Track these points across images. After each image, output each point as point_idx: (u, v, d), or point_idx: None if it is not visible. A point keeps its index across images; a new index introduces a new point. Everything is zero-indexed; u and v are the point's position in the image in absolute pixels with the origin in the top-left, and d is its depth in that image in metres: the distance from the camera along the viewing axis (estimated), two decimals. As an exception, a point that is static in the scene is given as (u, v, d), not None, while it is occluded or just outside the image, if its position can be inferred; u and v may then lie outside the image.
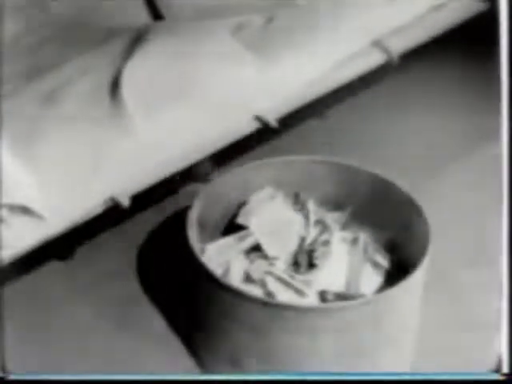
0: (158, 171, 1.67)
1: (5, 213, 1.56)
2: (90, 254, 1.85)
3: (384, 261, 1.68)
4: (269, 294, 1.58)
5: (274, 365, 1.51)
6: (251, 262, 1.64)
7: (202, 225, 1.64)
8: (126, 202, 1.63)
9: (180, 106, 1.70)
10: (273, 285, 1.59)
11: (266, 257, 1.65)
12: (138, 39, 1.81)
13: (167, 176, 1.69)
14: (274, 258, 1.64)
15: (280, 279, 1.60)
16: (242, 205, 1.72)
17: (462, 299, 1.75)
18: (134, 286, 1.79)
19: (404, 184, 1.67)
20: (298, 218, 1.72)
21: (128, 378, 1.46)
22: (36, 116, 1.66)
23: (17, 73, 1.75)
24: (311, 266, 1.64)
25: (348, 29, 1.85)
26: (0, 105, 1.60)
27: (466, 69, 2.20)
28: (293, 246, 1.67)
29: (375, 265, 1.67)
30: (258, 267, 1.62)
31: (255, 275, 1.60)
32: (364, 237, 1.69)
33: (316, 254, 1.64)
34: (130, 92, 1.68)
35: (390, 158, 2.00)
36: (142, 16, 1.96)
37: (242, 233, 1.67)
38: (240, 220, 1.69)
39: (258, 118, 1.76)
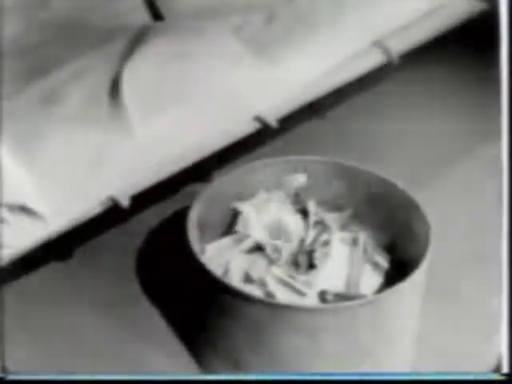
0: (157, 171, 1.67)
1: (5, 213, 1.55)
2: (90, 254, 1.85)
3: (384, 261, 1.68)
4: (269, 294, 1.58)
5: (274, 365, 1.51)
6: (251, 262, 1.64)
7: (202, 225, 1.63)
8: (125, 202, 1.63)
9: (180, 106, 1.70)
10: (273, 285, 1.59)
11: (265, 257, 1.65)
12: (137, 39, 1.81)
13: (167, 176, 1.69)
14: (274, 259, 1.64)
15: (280, 279, 1.60)
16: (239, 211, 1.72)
17: (462, 299, 1.75)
18: (134, 286, 1.79)
19: (404, 184, 1.67)
20: (297, 219, 1.72)
21: (128, 378, 1.46)
22: (36, 116, 1.66)
23: (17, 73, 1.75)
24: (311, 266, 1.64)
25: (348, 29, 1.84)
26: (0, 105, 1.60)
27: (466, 69, 2.20)
28: (292, 246, 1.67)
29: (375, 265, 1.67)
30: (257, 267, 1.62)
31: (255, 275, 1.61)
32: (364, 237, 1.69)
33: (316, 255, 1.64)
34: (130, 92, 1.68)
35: (390, 158, 2.00)
36: (142, 16, 1.96)
37: (241, 233, 1.68)
38: (238, 228, 1.68)
39: (258, 118, 1.76)
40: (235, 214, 1.72)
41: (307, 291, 1.58)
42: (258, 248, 1.66)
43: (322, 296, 1.59)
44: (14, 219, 1.56)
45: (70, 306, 1.74)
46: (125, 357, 1.65)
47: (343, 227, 1.73)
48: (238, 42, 1.80)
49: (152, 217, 1.92)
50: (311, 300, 1.58)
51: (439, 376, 1.45)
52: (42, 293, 1.76)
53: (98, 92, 1.70)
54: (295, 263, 1.65)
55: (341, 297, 1.58)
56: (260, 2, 1.91)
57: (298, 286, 1.59)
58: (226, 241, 1.68)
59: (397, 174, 1.71)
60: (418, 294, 1.58)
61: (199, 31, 1.82)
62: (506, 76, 1.47)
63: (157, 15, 1.97)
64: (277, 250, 1.65)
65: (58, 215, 1.59)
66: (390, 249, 1.70)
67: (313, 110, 1.89)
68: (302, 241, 1.68)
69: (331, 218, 1.72)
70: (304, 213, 1.74)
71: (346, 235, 1.71)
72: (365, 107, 2.16)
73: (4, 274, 1.56)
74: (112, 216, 1.67)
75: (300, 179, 1.72)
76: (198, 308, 1.60)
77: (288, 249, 1.66)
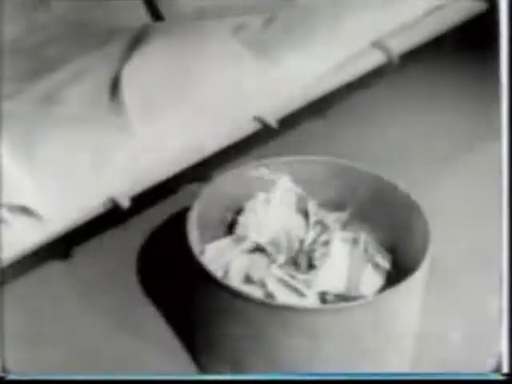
0: (157, 172, 1.67)
1: (5, 213, 1.56)
2: (90, 254, 1.85)
3: (384, 261, 1.68)
4: (269, 294, 1.58)
5: (274, 365, 1.52)
6: (251, 262, 1.64)
7: (202, 225, 1.63)
8: (125, 202, 1.63)
9: (180, 106, 1.70)
10: (273, 286, 1.59)
11: (266, 257, 1.65)
12: (137, 39, 1.81)
13: (167, 176, 1.69)
14: (274, 259, 1.64)
15: (280, 280, 1.60)
16: (239, 212, 1.71)
17: (462, 299, 1.75)
18: (133, 286, 1.79)
19: (404, 184, 1.67)
20: (297, 219, 1.72)
21: (128, 378, 1.46)
22: (36, 116, 1.66)
23: (17, 73, 1.75)
24: (311, 266, 1.64)
25: (348, 29, 1.84)
26: (0, 105, 1.60)
27: (466, 69, 2.20)
28: (293, 246, 1.67)
29: (375, 265, 1.67)
30: (258, 268, 1.62)
31: (255, 276, 1.60)
32: (364, 237, 1.69)
33: (316, 255, 1.64)
34: (130, 92, 1.68)
35: (390, 158, 2.00)
36: (142, 16, 1.96)
37: (241, 234, 1.67)
38: (238, 228, 1.68)
39: (258, 119, 1.76)
40: (235, 214, 1.72)
41: (307, 291, 1.58)
42: (258, 248, 1.66)
43: (322, 297, 1.59)
44: (13, 219, 1.56)
45: (70, 306, 1.74)
46: (125, 357, 1.65)
47: (343, 227, 1.73)
48: (238, 43, 1.79)
49: (152, 217, 1.92)
50: (311, 300, 1.58)
51: (439, 376, 1.45)
52: (42, 293, 1.76)
53: (98, 92, 1.70)
54: (295, 263, 1.65)
55: (341, 298, 1.58)
56: (260, 3, 1.92)
57: (298, 286, 1.59)
58: (226, 241, 1.68)
59: (397, 173, 1.71)
60: (419, 294, 1.58)
61: (199, 31, 1.82)
62: (506, 76, 1.47)
63: (157, 15, 1.97)
64: (277, 250, 1.65)
65: (58, 215, 1.59)
66: (391, 249, 1.70)
67: (313, 109, 1.89)
68: (302, 241, 1.68)
69: (331, 218, 1.72)
70: (304, 213, 1.74)
71: (347, 235, 1.71)
72: (365, 107, 2.16)
73: (4, 273, 1.56)
74: (112, 216, 1.67)
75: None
76: (198, 308, 1.60)
77: (288, 249, 1.66)
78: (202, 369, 1.64)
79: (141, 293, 1.78)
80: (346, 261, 1.66)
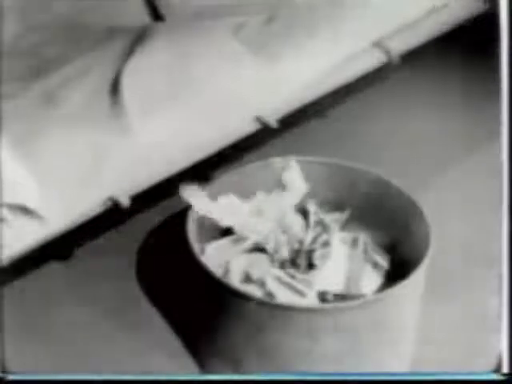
0: (157, 171, 1.67)
1: (5, 213, 1.55)
2: (89, 254, 1.85)
3: (384, 261, 1.68)
4: (268, 294, 1.58)
5: (274, 365, 1.52)
6: (251, 262, 1.64)
7: (201, 225, 1.63)
8: (125, 202, 1.63)
9: (180, 106, 1.70)
10: (272, 285, 1.59)
11: (265, 257, 1.65)
12: (137, 39, 1.81)
13: (167, 176, 1.69)
14: (274, 259, 1.64)
15: (280, 279, 1.60)
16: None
17: (462, 299, 1.75)
18: (133, 286, 1.79)
19: (404, 184, 1.67)
20: (297, 219, 1.72)
21: (128, 378, 1.46)
22: (36, 116, 1.66)
23: (17, 73, 1.75)
24: (311, 266, 1.64)
25: (348, 29, 1.85)
26: (0, 105, 1.60)
27: (466, 69, 2.20)
28: (292, 246, 1.67)
29: (375, 265, 1.67)
30: (257, 267, 1.62)
31: (255, 275, 1.61)
32: (364, 237, 1.69)
33: (315, 255, 1.64)
34: (130, 92, 1.68)
35: (391, 158, 2.00)
36: (142, 16, 1.96)
37: (241, 233, 1.67)
38: (238, 230, 1.68)
39: (258, 118, 1.76)
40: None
41: (307, 291, 1.58)
42: (258, 248, 1.66)
43: (322, 296, 1.59)
44: (13, 219, 1.56)
45: (70, 306, 1.74)
46: (124, 357, 1.65)
47: (343, 227, 1.73)
48: (238, 42, 1.80)
49: (152, 217, 1.92)
50: (311, 300, 1.58)
51: (439, 376, 1.44)
52: (42, 293, 1.76)
53: (98, 92, 1.71)
54: (295, 263, 1.65)
55: (340, 297, 1.58)
56: (260, 3, 1.92)
57: (297, 285, 1.59)
58: (226, 241, 1.68)
59: (397, 174, 1.71)
60: (418, 294, 1.58)
61: (199, 31, 1.82)
62: (506, 76, 1.47)
63: (157, 15, 1.97)
64: (276, 250, 1.65)
65: (58, 215, 1.59)
66: (390, 249, 1.70)
67: (313, 109, 1.89)
68: (302, 241, 1.68)
69: (331, 218, 1.72)
70: (304, 213, 1.74)
71: (346, 235, 1.71)
72: (365, 107, 2.16)
73: (4, 273, 1.56)
74: (112, 216, 1.67)
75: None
76: (198, 308, 1.60)
77: (288, 249, 1.66)
78: (202, 369, 1.64)
79: (141, 293, 1.78)
80: (345, 261, 1.66)
